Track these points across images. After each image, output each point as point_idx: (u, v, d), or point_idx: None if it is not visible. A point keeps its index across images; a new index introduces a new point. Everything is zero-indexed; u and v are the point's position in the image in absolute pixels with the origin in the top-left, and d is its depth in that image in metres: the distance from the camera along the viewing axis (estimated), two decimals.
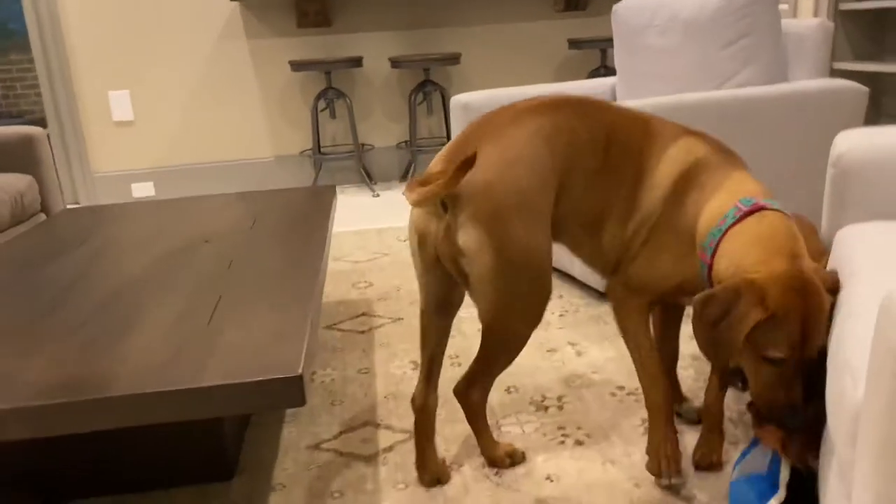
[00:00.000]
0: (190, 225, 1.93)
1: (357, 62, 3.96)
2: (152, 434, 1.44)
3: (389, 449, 1.54)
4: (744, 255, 1.16)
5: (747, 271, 1.13)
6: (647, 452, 1.36)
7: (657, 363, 1.36)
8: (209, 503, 1.40)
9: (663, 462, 1.33)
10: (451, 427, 1.61)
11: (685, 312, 1.55)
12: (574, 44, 4.11)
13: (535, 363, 1.88)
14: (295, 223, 1.89)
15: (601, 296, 2.30)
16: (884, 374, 0.72)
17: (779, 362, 1.12)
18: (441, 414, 1.67)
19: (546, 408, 1.66)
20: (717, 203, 1.23)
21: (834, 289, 1.14)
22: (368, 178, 4.21)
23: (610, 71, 4.19)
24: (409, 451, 1.52)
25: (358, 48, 4.21)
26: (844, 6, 3.79)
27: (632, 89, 2.77)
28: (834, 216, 1.42)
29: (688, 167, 1.27)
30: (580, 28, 4.33)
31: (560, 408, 1.66)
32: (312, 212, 2.00)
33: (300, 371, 1.06)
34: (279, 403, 1.06)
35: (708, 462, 1.39)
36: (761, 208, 1.20)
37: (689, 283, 1.29)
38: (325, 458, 1.52)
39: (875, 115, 3.97)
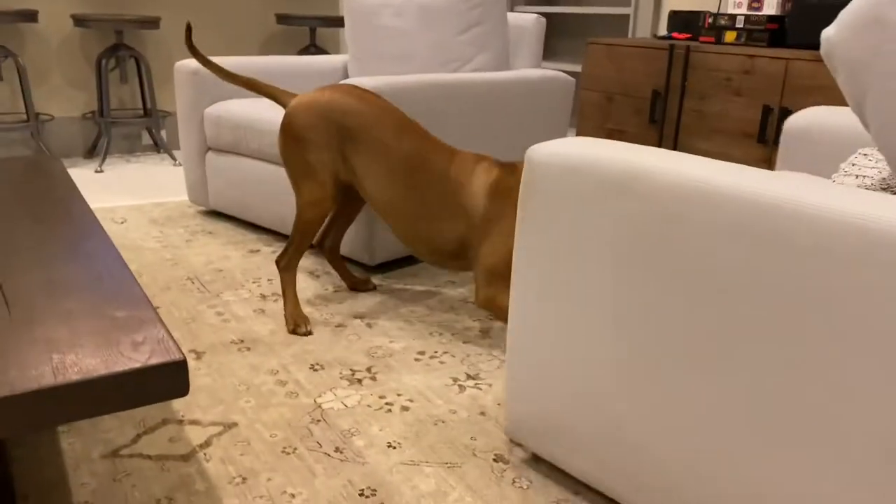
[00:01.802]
0: None
1: (30, 16, 3.36)
2: None
3: (206, 444, 1.38)
4: None
5: None
6: None
7: None
8: None
9: None
10: (273, 412, 1.50)
11: None
12: (282, 19, 4.01)
13: (328, 339, 1.83)
14: (37, 197, 1.57)
15: (366, 269, 2.32)
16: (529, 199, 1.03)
17: None
18: (251, 401, 1.54)
19: (360, 380, 1.64)
20: None
21: None
22: (48, 152, 3.62)
23: (319, 50, 4.18)
24: (230, 444, 1.38)
25: (29, 0, 3.57)
26: None
27: (366, 68, 2.81)
28: None
29: (494, 178, 1.76)
30: (288, 4, 4.24)
31: (373, 379, 1.65)
32: (48, 184, 1.68)
33: (182, 355, 0.90)
34: (161, 395, 0.89)
35: None
36: None
37: None
38: (133, 466, 1.31)
39: (549, 53, 4.55)
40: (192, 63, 2.68)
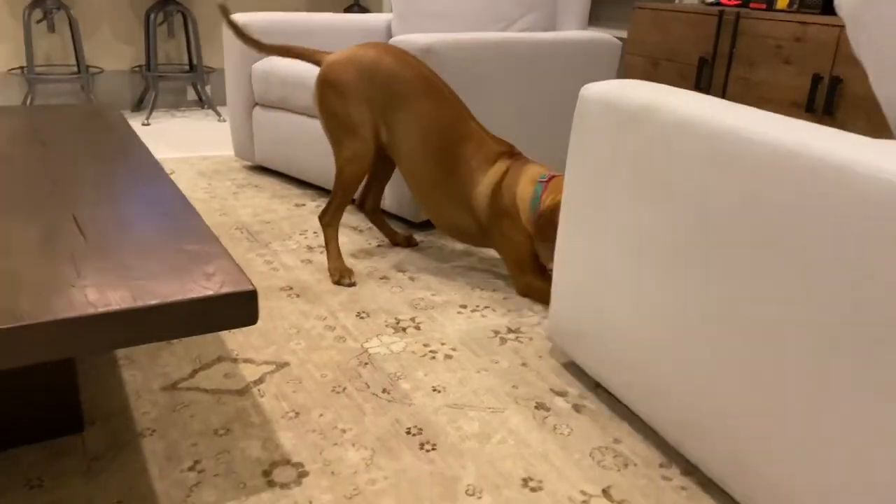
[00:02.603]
0: None
1: None
2: None
3: (260, 381, 1.44)
4: (553, 196, 1.75)
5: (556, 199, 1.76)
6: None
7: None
8: (62, 461, 1.19)
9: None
10: (323, 354, 1.55)
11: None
12: None
13: (372, 290, 1.88)
14: (100, 141, 1.62)
15: (412, 226, 2.35)
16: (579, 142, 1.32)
17: None
18: (301, 343, 1.60)
19: (404, 329, 1.69)
20: (524, 188, 1.80)
21: None
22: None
23: (363, 9, 4.19)
24: (283, 381, 1.44)
25: None
26: None
27: (410, 26, 2.82)
28: None
29: (499, 178, 1.83)
30: None
31: (417, 328, 1.69)
32: (109, 131, 1.73)
33: (252, 285, 0.95)
34: (232, 322, 0.94)
35: None
36: (553, 177, 1.80)
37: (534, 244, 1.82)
38: (190, 398, 1.38)
39: (593, 18, 4.50)
40: (240, 17, 2.72)
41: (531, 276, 1.84)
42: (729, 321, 1.07)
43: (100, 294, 0.90)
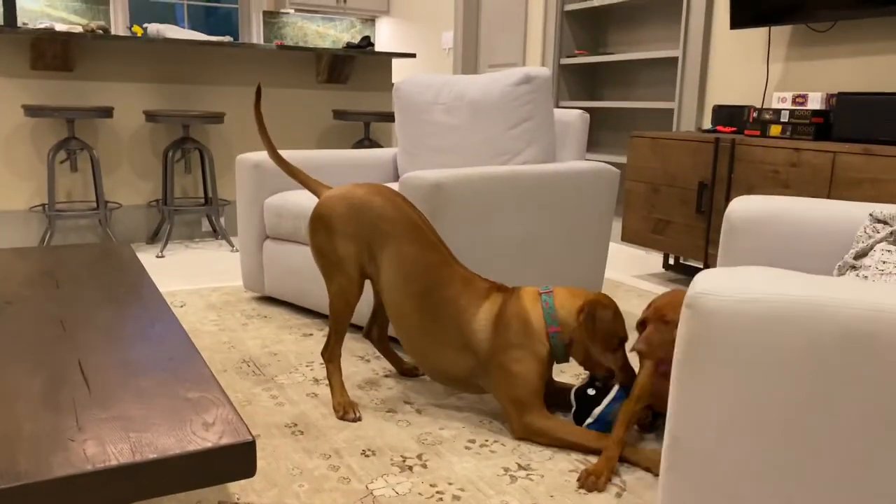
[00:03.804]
0: None
1: (107, 112, 3.61)
2: None
3: None
4: (571, 301, 1.82)
5: (583, 301, 1.81)
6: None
7: (580, 431, 1.76)
8: None
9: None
10: (326, 497, 1.51)
11: None
12: (339, 114, 4.22)
13: (378, 424, 1.85)
14: (111, 281, 1.66)
15: None
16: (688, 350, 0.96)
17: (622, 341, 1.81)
18: (304, 486, 1.56)
19: (410, 467, 1.65)
20: (532, 307, 1.82)
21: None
22: (114, 238, 3.80)
23: (373, 143, 4.37)
24: None
25: (104, 98, 3.85)
26: (565, 61, 4.67)
27: (415, 161, 2.93)
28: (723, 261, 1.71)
29: (497, 310, 1.83)
30: (344, 100, 4.47)
31: (424, 466, 1.65)
32: (120, 269, 1.78)
33: (251, 436, 0.94)
34: (230, 475, 0.92)
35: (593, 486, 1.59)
36: (552, 289, 1.86)
37: (543, 374, 1.79)
38: None
39: (592, 145, 4.71)
40: (253, 156, 2.84)
41: (534, 414, 1.77)
42: None
43: (99, 448, 0.90)
